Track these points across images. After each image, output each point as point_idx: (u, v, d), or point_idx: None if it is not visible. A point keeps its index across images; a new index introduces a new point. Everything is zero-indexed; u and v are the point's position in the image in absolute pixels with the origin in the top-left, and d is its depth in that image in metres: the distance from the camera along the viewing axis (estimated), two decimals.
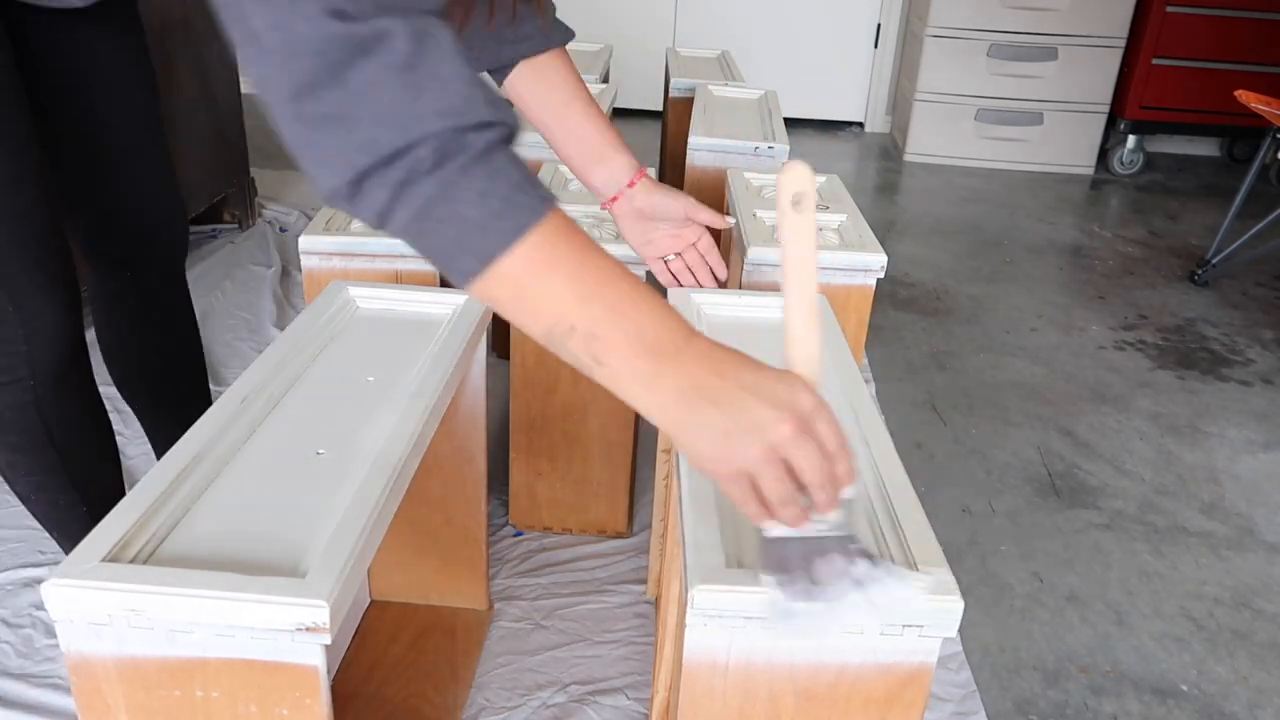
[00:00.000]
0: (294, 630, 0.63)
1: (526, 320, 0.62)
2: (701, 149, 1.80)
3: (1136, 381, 2.12)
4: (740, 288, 1.32)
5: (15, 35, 1.00)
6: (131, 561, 0.67)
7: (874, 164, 3.69)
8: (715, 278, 1.15)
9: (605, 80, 2.40)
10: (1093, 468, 1.79)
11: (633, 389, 0.62)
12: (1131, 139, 3.57)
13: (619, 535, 1.50)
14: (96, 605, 0.64)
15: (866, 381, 1.72)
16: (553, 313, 0.60)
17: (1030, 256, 2.80)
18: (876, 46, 3.93)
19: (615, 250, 1.24)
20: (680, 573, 0.74)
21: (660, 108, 2.95)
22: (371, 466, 0.78)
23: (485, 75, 1.03)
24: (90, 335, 1.09)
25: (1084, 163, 3.62)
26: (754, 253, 1.30)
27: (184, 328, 1.31)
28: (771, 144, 1.76)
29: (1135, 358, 2.22)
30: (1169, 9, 3.33)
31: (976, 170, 3.62)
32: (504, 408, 1.58)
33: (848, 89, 4.03)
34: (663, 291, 0.92)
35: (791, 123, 3.95)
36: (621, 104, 3.85)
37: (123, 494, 1.19)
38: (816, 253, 0.64)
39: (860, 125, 4.09)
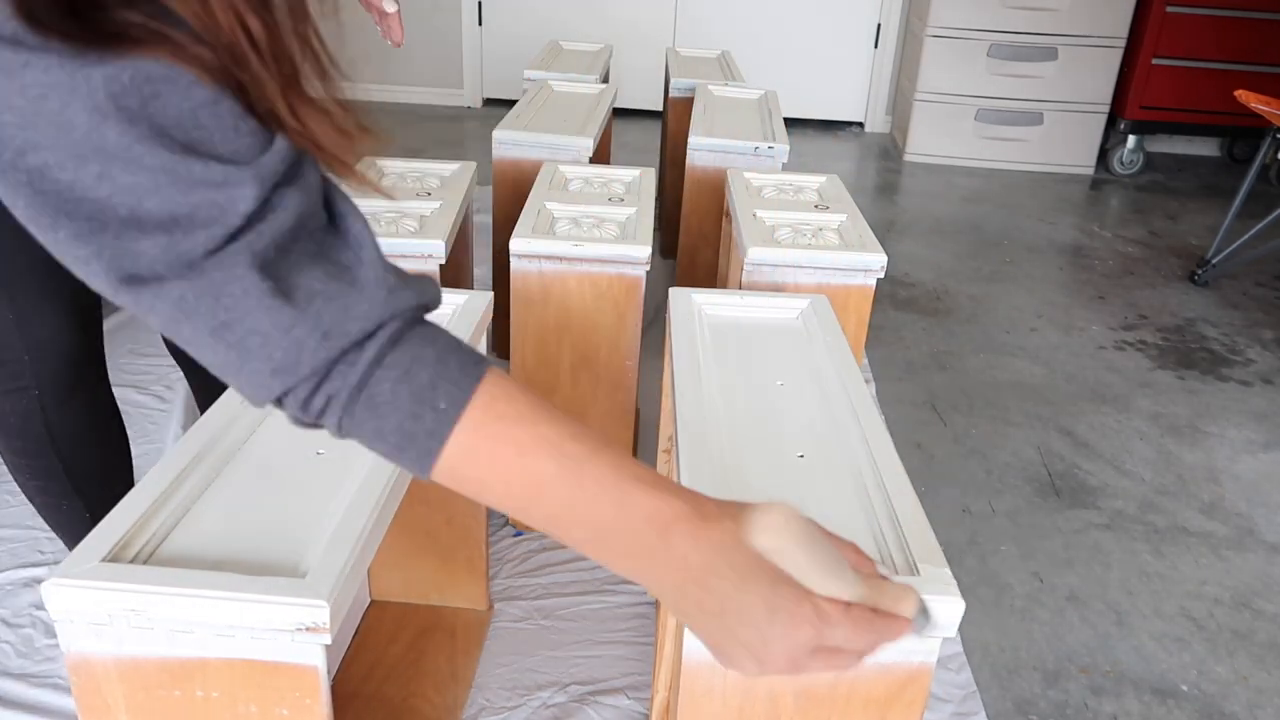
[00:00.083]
0: (294, 630, 0.63)
1: (494, 503, 0.54)
2: (701, 149, 1.80)
3: (1136, 381, 2.12)
4: (740, 288, 1.32)
5: None
6: (131, 561, 0.67)
7: (874, 164, 3.69)
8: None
9: (605, 80, 2.40)
10: (1093, 468, 1.79)
11: (642, 581, 0.54)
12: (1131, 139, 3.57)
13: None
14: (96, 605, 0.64)
15: (866, 381, 1.72)
16: (503, 503, 0.53)
17: (1030, 256, 2.80)
18: (876, 46, 3.93)
19: None
20: None
21: (660, 108, 2.95)
22: (371, 466, 0.78)
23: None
24: (112, 320, 1.09)
25: (1084, 163, 3.62)
26: (754, 253, 1.30)
27: None
28: (771, 144, 1.76)
29: (1135, 358, 2.22)
30: (1169, 9, 3.33)
31: (976, 170, 3.62)
32: None
33: (848, 89, 4.03)
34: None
35: (791, 123, 3.95)
36: (621, 104, 3.86)
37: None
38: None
39: (860, 125, 4.09)
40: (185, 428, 1.70)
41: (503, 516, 1.52)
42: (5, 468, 1.55)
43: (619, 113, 3.89)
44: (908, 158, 3.67)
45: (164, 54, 0.44)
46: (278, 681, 0.67)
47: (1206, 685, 1.31)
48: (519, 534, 1.49)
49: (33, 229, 0.46)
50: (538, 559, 1.44)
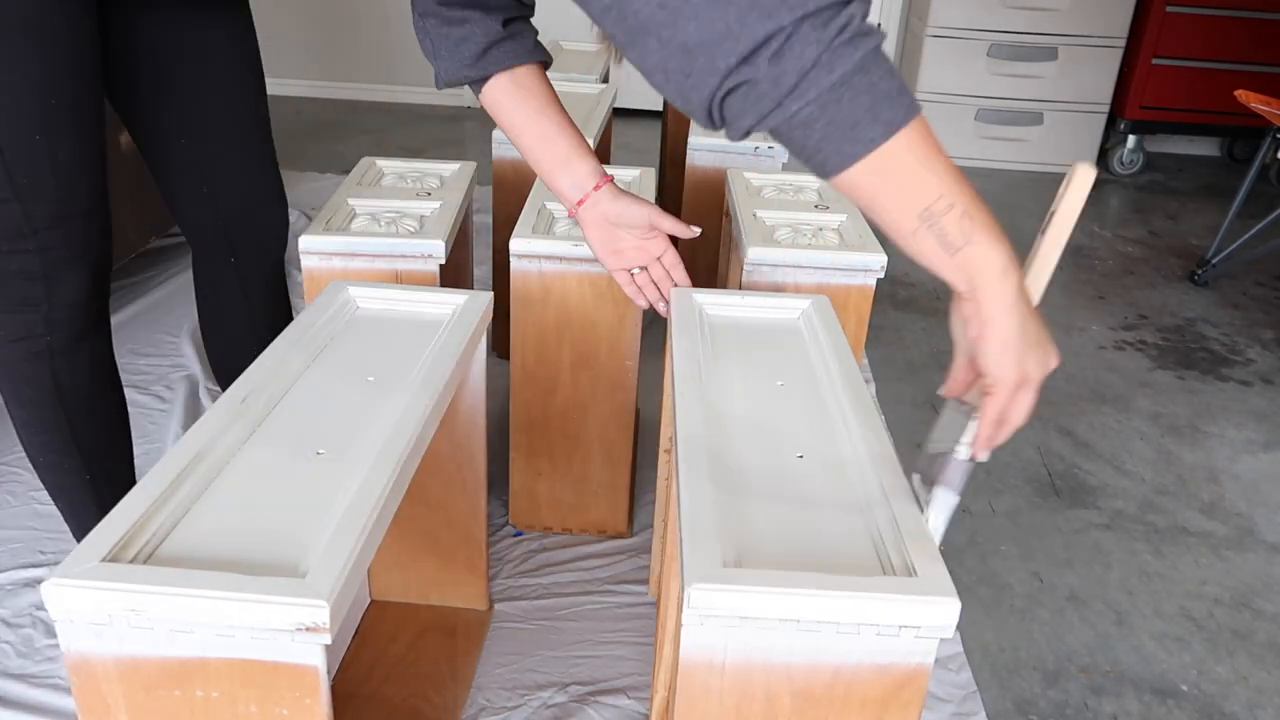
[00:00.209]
0: (294, 630, 0.64)
1: (909, 197, 0.65)
2: (701, 149, 1.80)
3: (1136, 381, 2.12)
4: (740, 288, 1.32)
5: (121, 24, 1.06)
6: (131, 561, 0.67)
7: None
8: None
9: (605, 80, 2.40)
10: (1093, 468, 1.79)
11: (989, 271, 0.66)
12: (1131, 139, 3.57)
13: (619, 535, 1.50)
14: (96, 605, 0.64)
15: (866, 381, 1.72)
16: (937, 189, 0.65)
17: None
18: None
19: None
20: (679, 572, 0.74)
21: (660, 108, 2.95)
22: (371, 467, 0.78)
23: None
24: (113, 320, 1.12)
25: (1084, 163, 3.62)
26: (754, 253, 1.30)
27: (281, 313, 1.33)
28: (771, 144, 1.76)
29: (1135, 358, 2.22)
30: (1169, 9, 3.33)
31: (976, 170, 3.62)
32: (504, 408, 1.59)
33: None
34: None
35: None
36: (621, 104, 3.85)
37: (130, 472, 1.21)
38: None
39: None
40: (185, 428, 1.70)
41: (503, 517, 1.52)
42: (8, 466, 1.56)
43: (619, 113, 3.88)
44: None
45: None
46: (278, 681, 0.67)
47: (1206, 685, 1.31)
48: (519, 534, 1.50)
49: None
50: (538, 559, 1.44)
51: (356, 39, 3.99)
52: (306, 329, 1.01)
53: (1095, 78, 3.48)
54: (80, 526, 1.20)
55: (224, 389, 1.37)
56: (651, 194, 1.51)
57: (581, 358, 1.38)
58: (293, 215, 2.67)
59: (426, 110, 3.93)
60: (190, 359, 1.92)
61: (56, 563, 1.31)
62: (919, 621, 0.67)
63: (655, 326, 1.93)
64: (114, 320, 2.01)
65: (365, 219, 1.35)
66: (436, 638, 1.26)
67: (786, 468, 0.83)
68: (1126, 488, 1.73)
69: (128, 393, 1.76)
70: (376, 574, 1.30)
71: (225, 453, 0.80)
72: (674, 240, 1.13)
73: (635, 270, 1.15)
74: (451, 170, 1.54)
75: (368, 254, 1.28)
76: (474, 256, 1.67)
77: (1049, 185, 3.48)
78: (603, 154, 2.12)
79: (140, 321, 2.06)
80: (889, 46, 3.89)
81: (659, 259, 1.14)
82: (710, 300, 1.12)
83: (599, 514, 1.49)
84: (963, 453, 0.74)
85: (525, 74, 1.06)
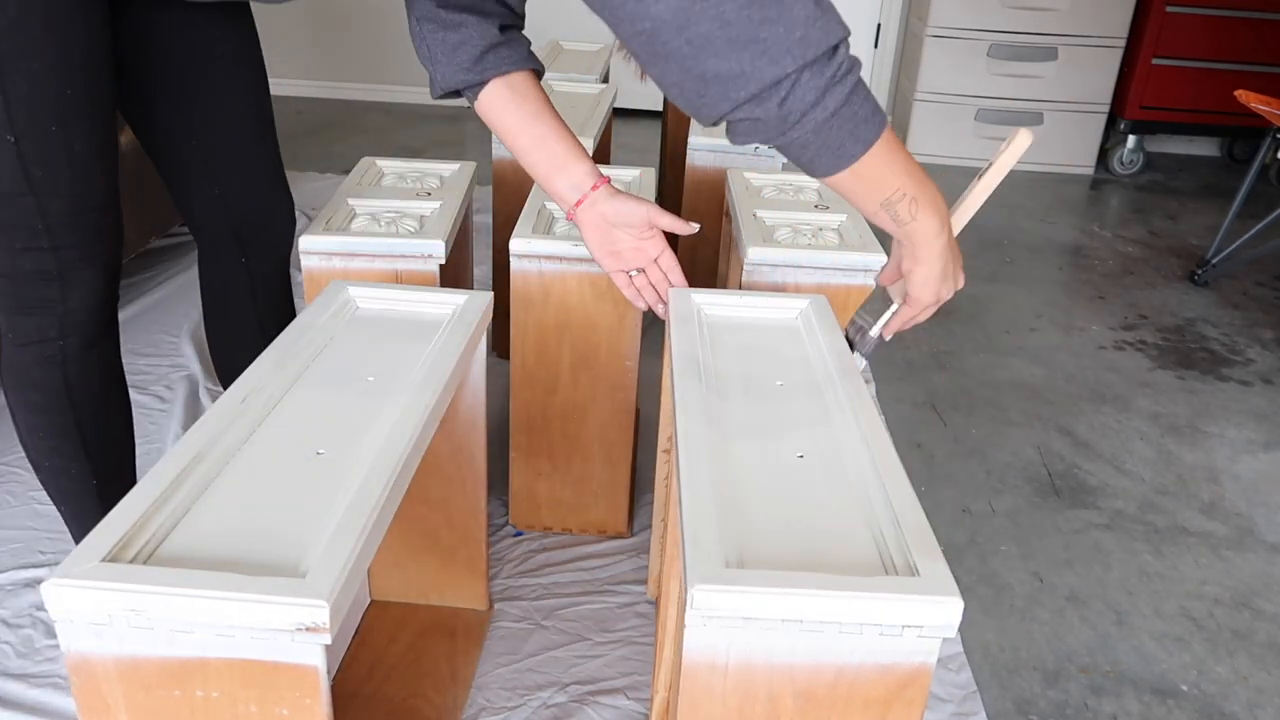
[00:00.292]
0: (294, 630, 0.63)
1: (874, 191, 0.84)
2: (701, 149, 1.80)
3: (1136, 381, 2.12)
4: (740, 288, 1.32)
5: (129, 27, 1.06)
6: (131, 561, 0.67)
7: None
8: None
9: (605, 80, 2.40)
10: (1093, 468, 1.79)
11: (927, 236, 0.88)
12: (1131, 139, 3.57)
13: (619, 535, 1.50)
14: (96, 605, 0.64)
15: (867, 381, 1.72)
16: (897, 183, 0.84)
17: (1030, 256, 2.80)
18: (876, 46, 3.93)
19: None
20: (680, 573, 0.74)
21: (660, 108, 2.95)
22: (371, 466, 0.78)
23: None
24: (124, 313, 1.12)
25: (1084, 163, 3.62)
26: (754, 253, 1.30)
27: (286, 313, 1.33)
28: None
29: (1135, 358, 2.22)
30: (1169, 9, 3.33)
31: (976, 170, 3.60)
32: (504, 408, 1.58)
33: None
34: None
35: None
36: (621, 104, 3.85)
37: (133, 477, 1.21)
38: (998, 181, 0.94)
39: None
40: (185, 428, 1.70)
41: (503, 517, 1.52)
42: (8, 466, 1.55)
43: (619, 113, 3.88)
44: None
45: None
46: (278, 681, 0.67)
47: (1206, 685, 1.31)
48: (519, 534, 1.49)
49: None
50: (538, 559, 1.44)
51: (356, 39, 3.99)
52: (306, 329, 1.01)
53: (1095, 78, 3.48)
54: (83, 530, 1.20)
55: (226, 388, 1.37)
56: (652, 194, 1.51)
57: (581, 358, 1.38)
58: None
59: (426, 110, 3.93)
60: (190, 359, 1.92)
61: (56, 563, 1.31)
62: (921, 621, 0.67)
63: (655, 327, 1.93)
64: None
65: (365, 219, 1.35)
66: (436, 638, 1.26)
67: (786, 468, 0.82)
68: (1126, 488, 1.73)
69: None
70: (376, 574, 1.30)
71: (225, 453, 0.80)
72: (673, 241, 1.14)
73: (633, 272, 1.15)
74: (451, 170, 1.54)
75: (368, 254, 1.28)
76: (474, 256, 1.67)
77: (1049, 185, 3.48)
78: (603, 154, 2.12)
79: (140, 321, 2.06)
80: (889, 46, 3.89)
81: (656, 261, 1.14)
82: (709, 300, 1.12)
83: (599, 514, 1.49)
84: (876, 331, 1.00)
85: (521, 79, 1.07)
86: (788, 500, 0.78)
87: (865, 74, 4.10)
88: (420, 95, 4.02)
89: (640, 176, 1.57)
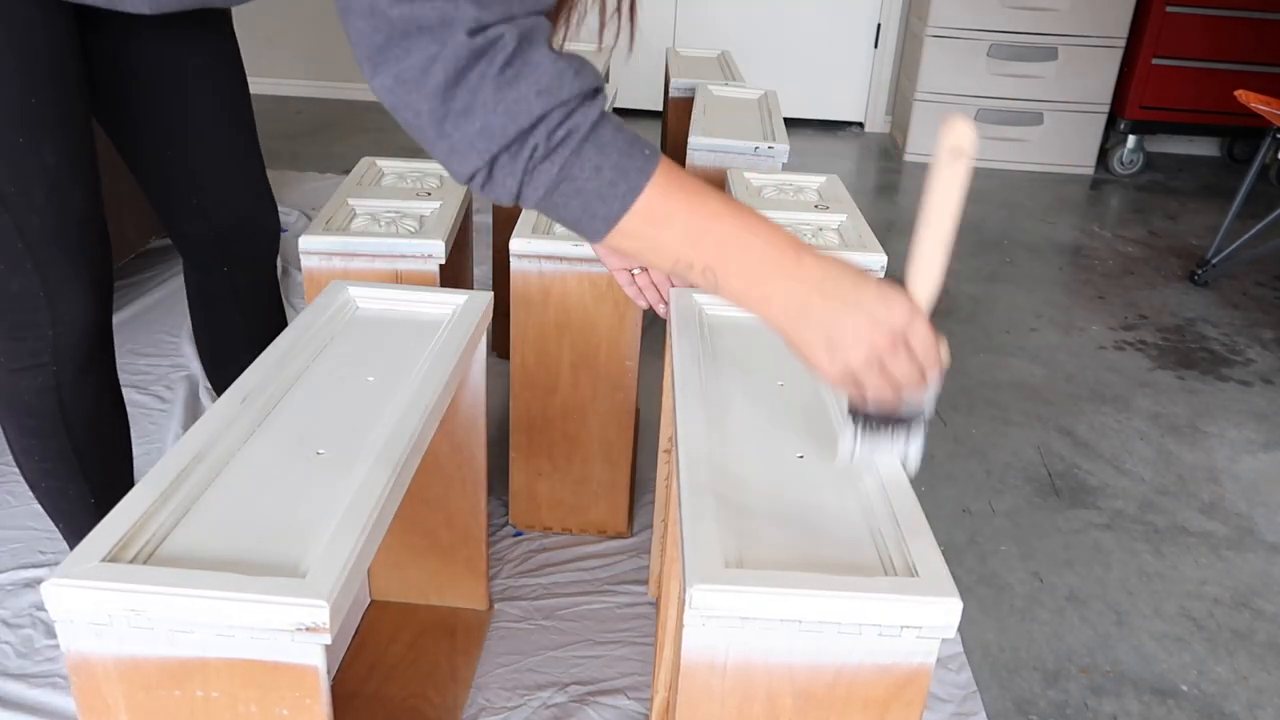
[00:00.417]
0: (294, 630, 0.64)
1: (654, 261, 0.73)
2: (701, 149, 1.80)
3: (1136, 381, 2.12)
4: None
5: (102, 43, 1.03)
6: (131, 561, 0.67)
7: (874, 164, 3.69)
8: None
9: (605, 80, 2.39)
10: (1093, 468, 1.79)
11: (751, 307, 0.73)
12: (1131, 139, 3.57)
13: (619, 535, 1.50)
14: (96, 605, 0.64)
15: None
16: (672, 254, 0.71)
17: (1030, 256, 2.80)
18: (876, 46, 3.93)
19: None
20: (679, 573, 0.74)
21: (660, 108, 2.95)
22: (371, 466, 0.78)
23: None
24: (117, 317, 1.11)
25: (1084, 163, 3.62)
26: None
27: (275, 322, 1.33)
28: (771, 144, 1.76)
29: (1135, 358, 2.22)
30: (1169, 9, 3.33)
31: (977, 170, 3.59)
32: (504, 408, 1.58)
33: (848, 89, 4.03)
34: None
35: (791, 123, 3.95)
36: (621, 104, 3.85)
37: (131, 487, 1.20)
38: (960, 202, 0.72)
39: (860, 125, 4.09)
40: (185, 428, 1.70)
41: (503, 517, 1.52)
42: (8, 466, 1.56)
43: (619, 113, 3.88)
44: (908, 158, 3.67)
45: None
46: (278, 681, 0.67)
47: (1206, 685, 1.31)
48: (519, 534, 1.50)
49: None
50: (538, 559, 1.44)
51: None
52: (306, 329, 1.01)
53: (1095, 78, 3.48)
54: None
55: (219, 395, 1.37)
56: None
57: (581, 358, 1.38)
58: (293, 215, 2.67)
59: None
60: (190, 359, 1.92)
61: (56, 563, 1.31)
62: (920, 621, 0.67)
63: (655, 326, 1.93)
64: (114, 320, 2.01)
65: (365, 219, 1.35)
66: (436, 638, 1.26)
67: (786, 468, 0.83)
68: (1126, 488, 1.73)
69: (128, 393, 1.77)
70: (376, 574, 1.30)
71: (225, 453, 0.80)
72: None
73: (635, 271, 1.15)
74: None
75: (368, 254, 1.28)
76: (474, 256, 1.67)
77: (1049, 185, 3.49)
78: None
79: (140, 321, 2.06)
80: (889, 46, 3.89)
81: None
82: (710, 300, 1.12)
83: (599, 514, 1.49)
84: (846, 443, 0.79)
85: None
86: (787, 500, 0.78)
87: (864, 74, 4.10)
88: None
89: None
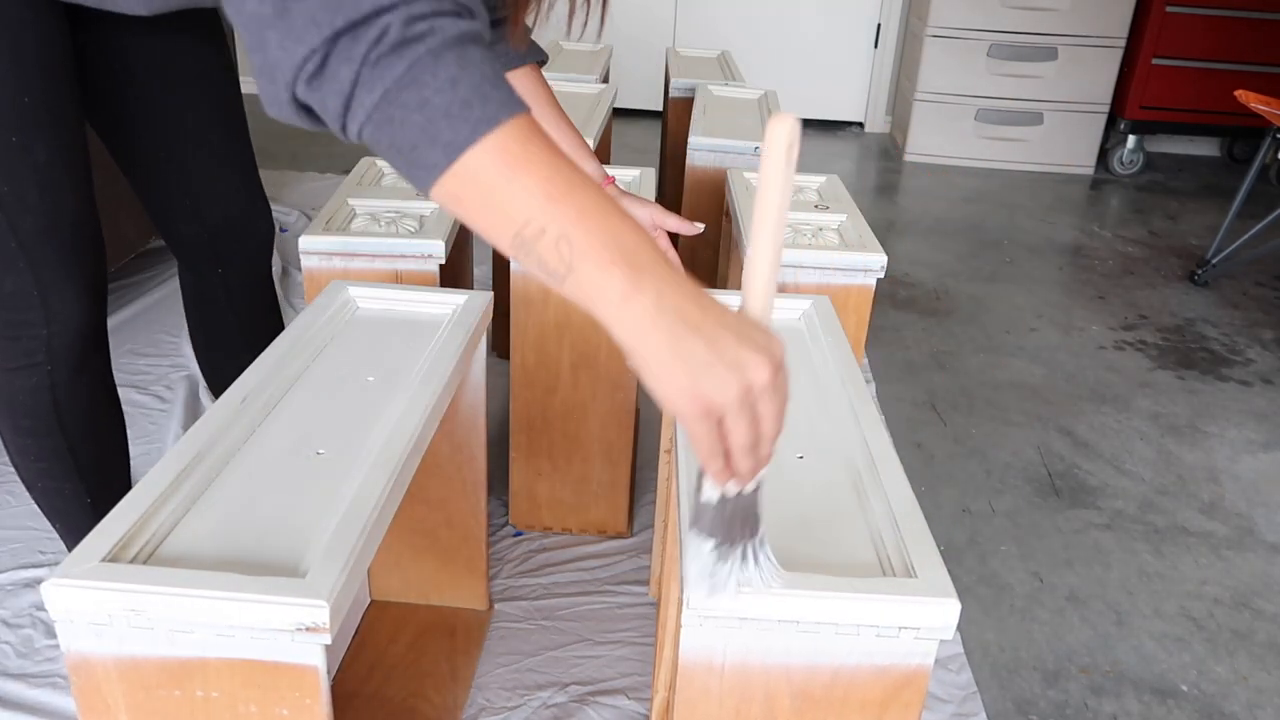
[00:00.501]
0: (294, 630, 0.64)
1: (495, 223, 0.57)
2: (701, 149, 1.80)
3: (1136, 381, 2.12)
4: (741, 288, 1.32)
5: (93, 43, 1.03)
6: (131, 561, 0.67)
7: (874, 164, 3.69)
8: None
9: (605, 80, 2.40)
10: (1093, 468, 1.79)
11: (605, 301, 0.56)
12: (1131, 139, 3.57)
13: (619, 535, 1.50)
14: (96, 605, 0.64)
15: (867, 381, 1.72)
16: (523, 214, 0.56)
17: (1030, 256, 2.80)
18: (876, 46, 3.93)
19: None
20: (678, 573, 0.74)
21: (660, 108, 2.95)
22: (371, 466, 0.78)
23: None
24: (112, 320, 1.11)
25: (1084, 163, 3.62)
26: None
27: (270, 322, 1.33)
28: None
29: (1135, 358, 2.22)
30: (1169, 9, 3.33)
31: (976, 170, 3.62)
32: (504, 408, 1.59)
33: (848, 89, 4.03)
34: None
35: None
36: (621, 104, 3.86)
37: (128, 487, 1.20)
38: (787, 200, 0.61)
39: (860, 125, 4.09)
40: (185, 428, 1.70)
41: (503, 517, 1.52)
42: (7, 467, 1.56)
43: (619, 113, 3.88)
44: (908, 158, 3.67)
45: None
46: (278, 681, 0.67)
47: (1206, 685, 1.31)
48: (519, 534, 1.50)
49: None
50: (538, 559, 1.44)
51: None
52: (306, 329, 1.01)
53: (1095, 78, 3.48)
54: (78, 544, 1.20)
55: (216, 397, 1.37)
56: (651, 194, 1.51)
57: (581, 358, 1.38)
58: (293, 215, 2.67)
59: None
60: (190, 359, 1.92)
61: (56, 563, 1.31)
62: (918, 623, 0.67)
63: None
64: (114, 320, 2.01)
65: (365, 219, 1.35)
66: (436, 638, 1.26)
67: (786, 468, 0.83)
68: (1126, 488, 1.73)
69: (128, 393, 1.77)
70: (376, 574, 1.30)
71: (225, 453, 0.80)
72: (673, 241, 1.14)
73: None
74: None
75: (368, 254, 1.28)
76: (474, 256, 1.67)
77: (1049, 185, 3.49)
78: (603, 154, 2.12)
79: (140, 321, 2.06)
80: (889, 46, 3.89)
81: None
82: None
83: (599, 514, 1.49)
84: (706, 493, 0.63)
85: (522, 76, 1.06)
86: (787, 501, 0.78)
87: (864, 74, 4.11)
88: None
89: (640, 176, 1.57)
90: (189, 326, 1.33)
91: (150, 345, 1.97)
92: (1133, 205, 3.34)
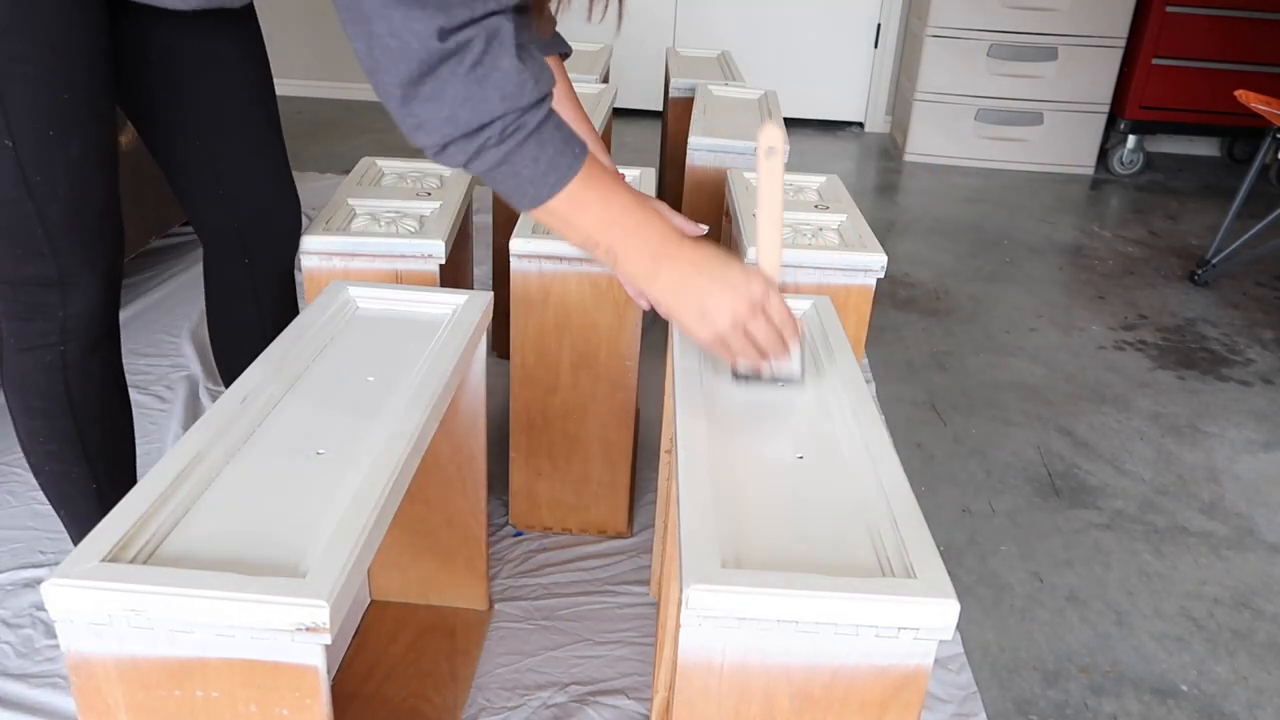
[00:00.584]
0: (294, 630, 0.64)
1: (568, 236, 0.89)
2: (701, 149, 1.80)
3: (1136, 381, 2.12)
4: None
5: (132, 31, 1.06)
6: (131, 561, 0.67)
7: (874, 164, 3.69)
8: None
9: (605, 80, 2.40)
10: (1093, 468, 1.79)
11: (641, 283, 0.90)
12: (1131, 139, 3.57)
13: (619, 535, 1.50)
14: (96, 605, 0.64)
15: (867, 381, 1.72)
16: (585, 235, 0.88)
17: (1030, 256, 2.80)
18: (876, 46, 3.93)
19: None
20: (678, 573, 0.74)
21: (660, 108, 2.95)
22: (371, 466, 0.78)
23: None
24: (124, 313, 1.11)
25: (1084, 163, 3.62)
26: (754, 253, 1.30)
27: (290, 314, 1.33)
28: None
29: (1135, 358, 2.22)
30: (1169, 9, 3.33)
31: (976, 170, 3.62)
32: (504, 408, 1.59)
33: (848, 89, 4.03)
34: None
35: (791, 123, 3.95)
36: (621, 104, 3.86)
37: (134, 481, 1.20)
38: (782, 189, 0.91)
39: (860, 125, 4.09)
40: (185, 428, 1.70)
41: (503, 517, 1.52)
42: (8, 466, 1.56)
43: (619, 113, 3.89)
44: (908, 158, 3.67)
45: None
46: (278, 681, 0.67)
47: (1206, 685, 1.31)
48: (519, 534, 1.50)
49: None
50: (538, 559, 1.44)
51: None
52: (306, 329, 1.01)
53: (1095, 78, 3.49)
54: (82, 535, 1.20)
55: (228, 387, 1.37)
56: (651, 194, 1.51)
57: (581, 358, 1.38)
58: None
59: None
60: (190, 359, 1.92)
61: (56, 563, 1.31)
62: (918, 623, 0.67)
63: (655, 327, 1.93)
64: None
65: (365, 219, 1.35)
66: (436, 638, 1.26)
67: (786, 468, 0.83)
68: (1126, 488, 1.73)
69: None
70: (376, 574, 1.30)
71: (226, 452, 0.80)
72: None
73: None
74: (452, 170, 1.54)
75: (368, 254, 1.28)
76: (474, 256, 1.67)
77: (1049, 185, 3.49)
78: None
79: (140, 321, 2.07)
80: (889, 46, 3.89)
81: None
82: None
83: (599, 514, 1.49)
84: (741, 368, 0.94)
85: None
86: (786, 501, 0.78)
87: (864, 74, 4.11)
88: None
89: (640, 176, 1.57)
90: (209, 317, 1.33)
91: (150, 345, 1.97)
92: (1133, 205, 3.34)
